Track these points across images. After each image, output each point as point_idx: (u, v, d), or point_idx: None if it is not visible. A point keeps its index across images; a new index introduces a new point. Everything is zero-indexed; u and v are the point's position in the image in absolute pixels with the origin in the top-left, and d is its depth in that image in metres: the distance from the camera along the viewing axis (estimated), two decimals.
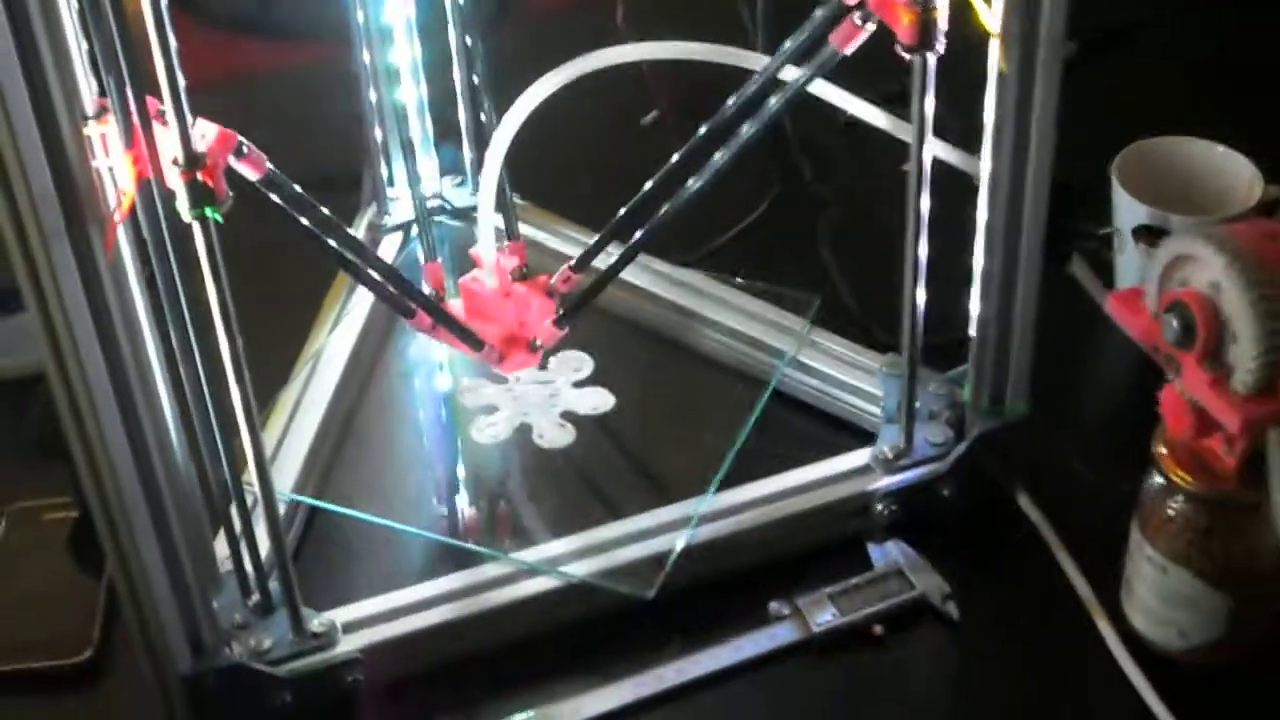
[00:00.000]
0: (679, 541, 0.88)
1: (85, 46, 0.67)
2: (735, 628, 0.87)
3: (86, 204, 0.68)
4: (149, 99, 0.69)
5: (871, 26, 0.80)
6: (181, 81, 0.67)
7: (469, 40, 1.03)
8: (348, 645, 0.84)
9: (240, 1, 2.00)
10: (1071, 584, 0.89)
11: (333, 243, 0.80)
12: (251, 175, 0.73)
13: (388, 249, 1.10)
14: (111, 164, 0.69)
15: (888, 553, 0.91)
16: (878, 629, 0.87)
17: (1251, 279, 0.73)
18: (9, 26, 0.63)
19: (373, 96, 1.06)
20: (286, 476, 0.93)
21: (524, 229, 0.97)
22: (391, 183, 1.12)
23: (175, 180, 0.69)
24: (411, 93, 1.07)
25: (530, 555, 0.88)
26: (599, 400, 0.96)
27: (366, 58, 1.04)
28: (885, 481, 0.92)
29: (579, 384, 0.99)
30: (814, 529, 0.91)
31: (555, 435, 0.95)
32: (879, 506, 0.92)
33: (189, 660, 0.80)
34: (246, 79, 1.71)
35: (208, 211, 0.69)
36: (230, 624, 0.83)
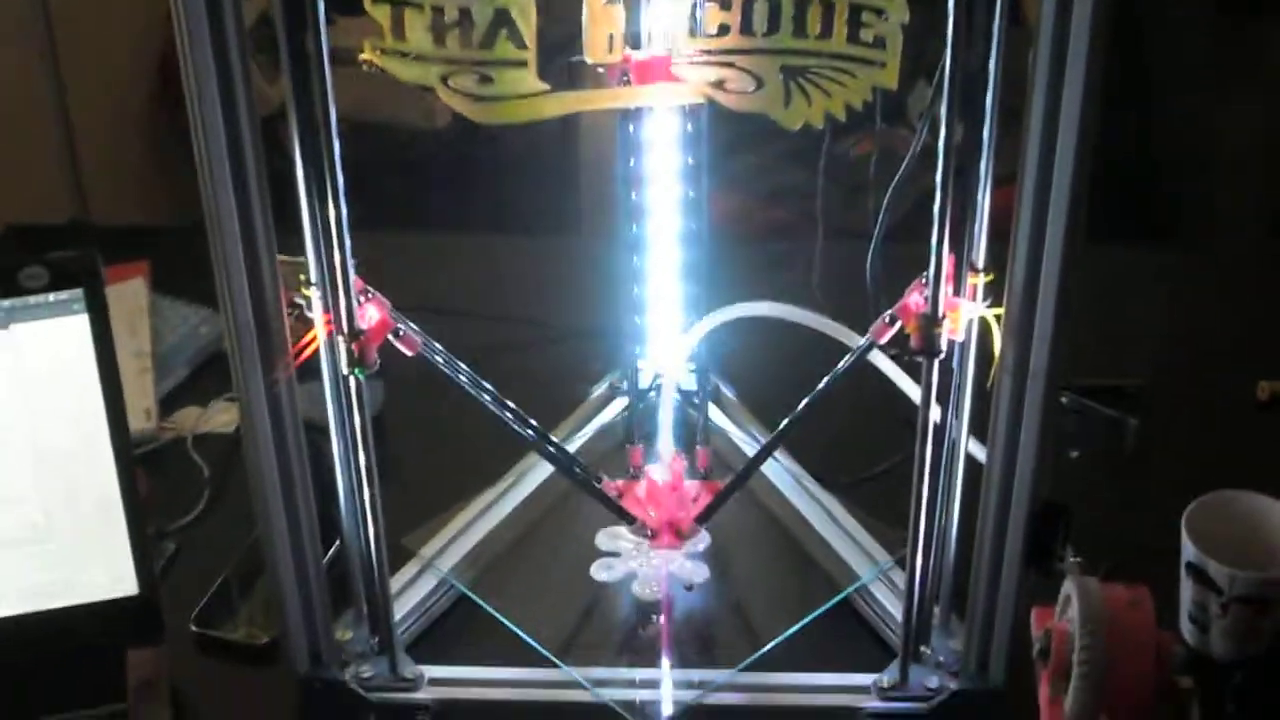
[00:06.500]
0: (665, 706, 1.12)
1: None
2: None
3: (276, 336, 0.99)
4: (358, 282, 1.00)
5: (896, 326, 1.00)
6: (354, 278, 0.98)
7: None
8: (425, 694, 1.13)
9: None
10: None
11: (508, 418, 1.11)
12: (407, 352, 1.04)
13: (619, 403, 1.38)
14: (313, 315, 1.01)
15: None
16: None
17: (1086, 627, 0.90)
18: (238, 214, 0.95)
19: (635, 291, 1.34)
20: (452, 559, 1.23)
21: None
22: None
23: (340, 344, 1.00)
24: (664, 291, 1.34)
25: (579, 670, 1.14)
26: (697, 573, 1.20)
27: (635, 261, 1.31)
28: (874, 705, 1.12)
29: (693, 556, 1.23)
30: None
31: (648, 591, 1.19)
32: None
33: (306, 666, 1.12)
34: None
35: (357, 372, 1.00)
36: (355, 652, 1.14)
